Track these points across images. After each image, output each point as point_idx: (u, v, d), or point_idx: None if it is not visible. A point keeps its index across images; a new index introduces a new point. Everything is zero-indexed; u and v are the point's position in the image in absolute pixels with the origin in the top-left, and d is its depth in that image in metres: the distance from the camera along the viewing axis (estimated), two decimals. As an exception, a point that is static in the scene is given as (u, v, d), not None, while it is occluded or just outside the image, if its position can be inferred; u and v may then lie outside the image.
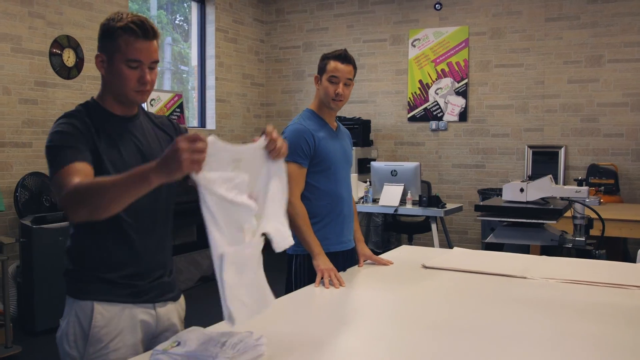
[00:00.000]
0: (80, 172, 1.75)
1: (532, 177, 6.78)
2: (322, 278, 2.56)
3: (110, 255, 1.93)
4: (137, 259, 1.96)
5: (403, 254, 3.22)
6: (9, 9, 5.42)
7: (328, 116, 2.97)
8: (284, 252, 1.93)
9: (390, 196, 6.34)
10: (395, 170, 6.45)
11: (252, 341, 1.67)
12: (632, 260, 5.62)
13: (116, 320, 1.90)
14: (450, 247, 5.86)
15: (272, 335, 1.75)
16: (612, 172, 6.78)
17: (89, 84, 6.15)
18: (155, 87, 7.29)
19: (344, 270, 2.80)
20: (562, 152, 7.13)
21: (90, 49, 6.13)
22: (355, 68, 2.90)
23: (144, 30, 1.88)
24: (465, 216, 7.45)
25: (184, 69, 8.13)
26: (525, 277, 2.62)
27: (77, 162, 1.77)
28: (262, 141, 1.74)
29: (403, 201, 6.33)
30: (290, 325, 1.96)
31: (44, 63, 5.72)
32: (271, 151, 1.75)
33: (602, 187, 6.54)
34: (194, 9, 8.02)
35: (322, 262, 2.63)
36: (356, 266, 2.91)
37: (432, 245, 5.93)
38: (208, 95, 8.01)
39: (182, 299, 2.14)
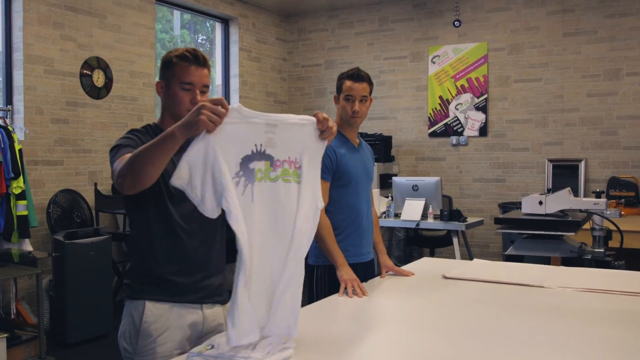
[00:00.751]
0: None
1: (553, 190, 6.85)
2: (345, 288, 2.66)
3: (162, 256, 2.12)
4: (185, 259, 2.14)
5: (424, 266, 3.32)
6: (42, 32, 5.64)
7: (350, 132, 3.09)
8: (306, 262, 2.07)
9: (412, 211, 6.44)
10: (416, 185, 6.55)
11: (280, 344, 1.77)
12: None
13: (165, 317, 2.09)
14: (471, 259, 5.95)
15: (295, 341, 1.84)
16: (632, 184, 6.82)
17: (117, 104, 6.35)
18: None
19: (364, 281, 2.89)
20: (582, 165, 7.18)
21: (118, 69, 6.33)
22: (370, 84, 3.04)
23: (196, 58, 2.14)
24: (486, 230, 7.52)
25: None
26: (542, 287, 2.71)
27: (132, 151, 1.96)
28: (307, 118, 1.85)
29: (425, 215, 6.42)
30: (314, 331, 2.06)
31: (75, 84, 5.92)
32: (323, 131, 1.86)
33: (623, 200, 6.60)
34: (218, 29, 8.21)
35: (345, 273, 2.74)
36: (378, 277, 3.01)
37: (454, 259, 6.01)
38: (232, 114, 8.16)
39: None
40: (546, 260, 4.91)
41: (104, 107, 6.23)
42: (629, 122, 7.03)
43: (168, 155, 1.80)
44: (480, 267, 3.20)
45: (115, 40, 6.34)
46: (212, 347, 1.78)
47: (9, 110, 5.40)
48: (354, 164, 3.04)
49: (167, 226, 2.12)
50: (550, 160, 7.35)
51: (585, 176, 7.17)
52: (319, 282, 3.01)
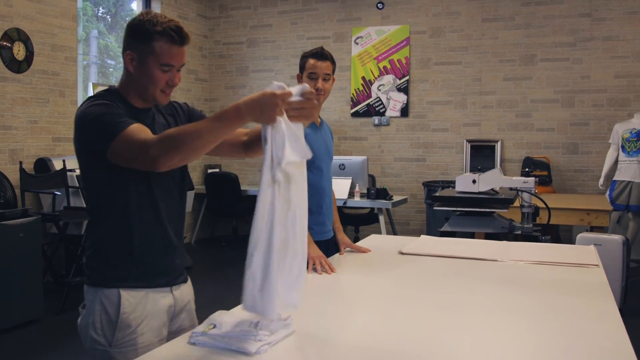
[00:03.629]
0: (146, 130, 1.88)
1: (472, 170, 7.13)
2: (314, 265, 2.73)
3: (140, 240, 2.00)
4: (163, 240, 2.06)
5: (375, 242, 3.41)
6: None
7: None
8: None
9: (339, 189, 6.56)
10: (343, 164, 6.68)
11: (281, 321, 1.81)
12: (570, 243, 6.03)
13: (142, 305, 1.99)
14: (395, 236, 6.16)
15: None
16: (545, 164, 7.21)
17: (39, 78, 6.11)
18: (94, 81, 7.33)
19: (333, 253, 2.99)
20: (498, 145, 7.51)
21: (39, 42, 6.08)
22: (333, 63, 3.06)
23: (181, 37, 1.95)
24: (406, 208, 7.75)
25: (110, 63, 8.03)
26: (496, 260, 2.87)
27: (136, 124, 1.87)
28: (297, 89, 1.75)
29: (351, 194, 6.56)
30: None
31: (-6, 57, 5.66)
32: (300, 109, 1.73)
33: (537, 179, 6.95)
34: (139, 3, 8.01)
35: (312, 250, 2.77)
36: (337, 254, 3.09)
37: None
38: (154, 90, 8.00)
39: (189, 280, 2.26)
40: (470, 236, 5.15)
41: (25, 82, 5.98)
42: (542, 105, 7.41)
43: (229, 133, 1.82)
44: (432, 242, 3.34)
45: (36, 12, 6.08)
46: (215, 326, 1.78)
47: None
48: (317, 143, 3.06)
49: (147, 207, 2.00)
50: (469, 141, 7.64)
51: (502, 156, 7.52)
52: None
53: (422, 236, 3.59)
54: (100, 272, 2.00)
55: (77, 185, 5.60)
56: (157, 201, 2.03)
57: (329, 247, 3.16)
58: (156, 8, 7.97)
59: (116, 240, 2.00)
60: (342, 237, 3.20)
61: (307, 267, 2.72)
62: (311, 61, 3.00)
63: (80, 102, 6.78)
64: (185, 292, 2.19)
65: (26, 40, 5.94)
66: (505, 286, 2.45)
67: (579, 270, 2.72)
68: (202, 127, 1.76)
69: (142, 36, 1.93)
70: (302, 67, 3.05)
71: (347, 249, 3.15)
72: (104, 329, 1.96)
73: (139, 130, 1.85)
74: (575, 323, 1.98)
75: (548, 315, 2.07)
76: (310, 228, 2.97)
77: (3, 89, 5.75)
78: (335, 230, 3.24)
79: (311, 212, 3.01)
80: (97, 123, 1.87)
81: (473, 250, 3.10)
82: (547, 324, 1.96)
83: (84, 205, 5.48)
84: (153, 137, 1.82)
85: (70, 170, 5.73)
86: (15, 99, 5.86)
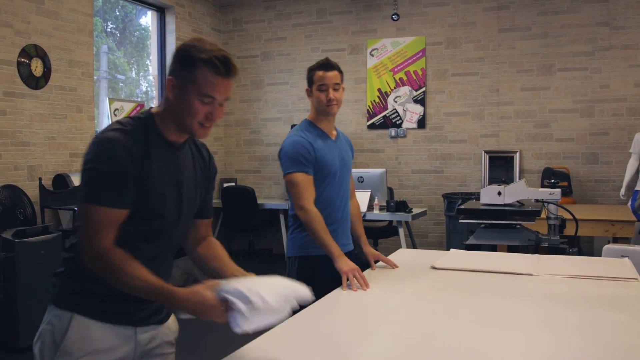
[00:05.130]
0: (112, 226, 1.74)
1: (490, 181, 7.08)
2: (347, 281, 2.66)
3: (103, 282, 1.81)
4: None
5: (405, 257, 3.37)
6: (-22, 18, 5.35)
7: (325, 124, 3.10)
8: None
9: (358, 202, 6.50)
10: (362, 177, 6.63)
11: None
12: (591, 255, 5.95)
13: (91, 337, 1.82)
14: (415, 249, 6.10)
15: (302, 342, 1.83)
16: (565, 174, 7.13)
17: (56, 94, 6.10)
18: (115, 97, 7.33)
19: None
20: (517, 156, 7.45)
21: (57, 58, 6.08)
22: (341, 72, 3.04)
23: (227, 69, 1.80)
24: (425, 220, 7.69)
25: (120, 78, 8.03)
26: (531, 274, 2.81)
27: (113, 209, 1.74)
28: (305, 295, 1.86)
29: (370, 207, 6.51)
30: (321, 327, 2.07)
31: (12, 72, 5.65)
32: None
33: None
34: (153, 18, 8.02)
35: (344, 264, 2.72)
36: (369, 269, 3.02)
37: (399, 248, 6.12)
38: (169, 105, 8.00)
39: (171, 320, 2.09)
40: (493, 249, 5.09)
41: (43, 98, 5.97)
42: (561, 115, 7.34)
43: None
44: (463, 257, 3.28)
45: (53, 28, 6.08)
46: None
47: (-56, 100, 5.10)
48: (331, 157, 3.05)
49: (130, 235, 1.82)
50: (487, 152, 7.58)
51: (521, 167, 7.45)
52: (300, 274, 2.99)
53: (451, 250, 3.54)
54: (61, 292, 1.87)
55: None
56: (148, 254, 1.87)
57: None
58: (170, 23, 7.98)
59: (90, 272, 1.79)
60: (370, 250, 3.14)
61: (342, 283, 2.68)
62: (319, 73, 2.99)
63: (96, 118, 6.78)
64: (160, 333, 2.00)
65: (44, 57, 5.94)
66: (544, 301, 2.39)
67: (618, 285, 2.65)
68: (136, 284, 1.72)
69: (185, 62, 1.81)
70: (310, 81, 3.04)
71: (377, 261, 3.08)
72: (44, 350, 1.85)
73: (106, 224, 1.73)
74: (624, 340, 1.92)
75: (593, 332, 2.01)
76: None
77: (21, 105, 5.74)
78: (362, 243, 3.20)
79: None
80: (86, 174, 1.77)
81: (506, 264, 3.04)
82: (593, 342, 1.90)
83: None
84: (102, 248, 1.72)
85: (89, 186, 5.71)
86: (34, 115, 5.85)
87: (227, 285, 1.73)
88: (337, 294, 2.56)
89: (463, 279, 2.79)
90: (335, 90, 2.99)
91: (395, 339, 1.95)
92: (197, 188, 2.02)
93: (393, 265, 3.04)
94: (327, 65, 3.00)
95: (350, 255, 3.11)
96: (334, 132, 3.17)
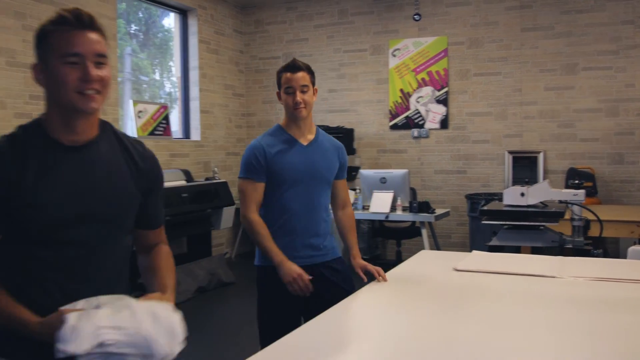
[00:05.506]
0: None
1: (514, 182, 7.03)
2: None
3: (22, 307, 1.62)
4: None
5: (427, 259, 3.36)
6: (2, 22, 5.42)
7: (296, 130, 2.93)
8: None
9: (381, 203, 6.50)
10: (384, 178, 6.62)
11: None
12: (617, 256, 5.90)
13: None
14: (439, 250, 6.09)
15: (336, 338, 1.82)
16: (589, 175, 7.06)
17: (81, 97, 6.16)
18: (139, 99, 7.40)
19: (333, 276, 2.93)
20: (541, 156, 7.39)
21: (81, 62, 6.15)
22: (310, 73, 2.90)
23: (78, 18, 1.61)
24: (448, 221, 7.65)
25: (144, 79, 8.08)
26: (554, 277, 2.79)
27: None
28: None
29: (393, 207, 6.50)
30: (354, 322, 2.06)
31: (37, 76, 5.71)
32: None
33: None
34: (176, 20, 8.07)
35: (284, 273, 2.74)
36: (373, 282, 2.81)
37: (422, 249, 6.10)
38: (192, 107, 8.07)
39: None
40: (517, 250, 5.06)
41: (68, 100, 6.04)
42: (586, 115, 7.27)
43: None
44: (486, 258, 3.26)
45: (77, 32, 6.14)
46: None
47: (-29, 104, 5.17)
48: (291, 164, 2.89)
49: (36, 266, 1.64)
50: (510, 152, 7.53)
51: (545, 167, 7.38)
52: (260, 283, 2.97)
53: (473, 252, 3.52)
54: None
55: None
56: (65, 286, 1.66)
57: (313, 272, 2.90)
58: (193, 25, 8.03)
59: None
60: (358, 262, 2.96)
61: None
62: (285, 75, 2.87)
63: (121, 119, 6.84)
64: None
65: (68, 60, 6.00)
66: (567, 304, 2.37)
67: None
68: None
69: (40, 37, 1.64)
70: (278, 84, 2.93)
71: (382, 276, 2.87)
72: None
73: None
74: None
75: (617, 335, 1.99)
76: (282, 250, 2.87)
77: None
78: (351, 256, 3.03)
79: (279, 233, 2.90)
80: None
81: (529, 266, 3.02)
82: (617, 345, 1.89)
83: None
84: None
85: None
86: (59, 118, 5.92)
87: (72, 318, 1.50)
88: (355, 296, 2.56)
89: (485, 281, 2.78)
90: (303, 92, 2.84)
91: (416, 341, 1.96)
92: (118, 193, 1.75)
93: (381, 278, 2.82)
94: (293, 66, 2.87)
95: (312, 268, 2.88)
96: (309, 137, 2.97)
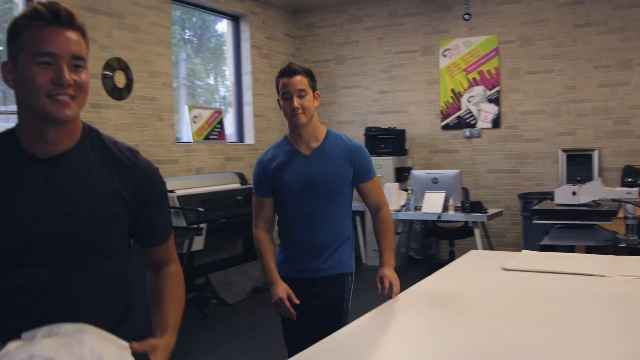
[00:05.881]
0: None
1: (568, 180, 6.96)
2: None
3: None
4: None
5: (476, 258, 3.40)
6: None
7: (298, 139, 2.83)
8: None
9: (433, 203, 6.53)
10: (436, 178, 6.65)
11: None
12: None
13: None
14: (492, 250, 6.07)
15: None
16: (646, 172, 6.94)
17: (138, 104, 6.38)
18: (194, 103, 7.60)
19: (318, 298, 2.81)
20: (595, 154, 7.28)
21: (138, 70, 6.36)
22: (308, 77, 2.75)
23: (55, 14, 1.43)
24: (502, 220, 7.61)
25: (199, 84, 8.27)
26: (603, 276, 2.80)
27: None
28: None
29: (445, 208, 6.52)
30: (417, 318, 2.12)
31: (97, 85, 5.94)
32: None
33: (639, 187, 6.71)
34: (228, 26, 8.24)
35: (271, 293, 2.78)
36: (426, 280, 2.89)
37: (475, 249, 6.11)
38: (246, 111, 8.23)
39: None
40: (571, 249, 5.03)
41: (126, 108, 6.26)
42: (642, 111, 7.15)
43: None
44: (535, 258, 3.28)
45: (134, 41, 6.36)
46: None
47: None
48: (290, 175, 2.81)
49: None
50: (564, 150, 7.45)
51: (599, 165, 7.28)
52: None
53: (523, 251, 3.54)
54: None
55: (178, 205, 5.80)
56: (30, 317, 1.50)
57: (313, 286, 2.85)
58: (245, 31, 8.19)
59: None
60: (380, 272, 2.82)
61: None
62: (282, 80, 2.73)
63: (176, 124, 7.04)
64: None
65: (126, 69, 6.23)
66: (615, 303, 2.38)
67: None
68: None
69: (11, 33, 1.47)
70: (277, 90, 2.80)
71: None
72: None
73: None
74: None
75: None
76: (285, 261, 2.91)
77: (106, 115, 6.03)
78: (380, 263, 2.87)
79: (284, 246, 2.91)
80: None
81: (578, 265, 3.03)
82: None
83: (185, 225, 5.67)
84: None
85: (171, 192, 5.94)
86: (118, 125, 6.15)
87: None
88: (401, 296, 2.62)
89: (534, 280, 2.81)
90: (301, 97, 2.69)
91: (463, 340, 2.01)
92: (93, 212, 1.56)
93: (385, 292, 2.71)
94: (289, 70, 2.71)
95: (320, 281, 2.84)
96: (314, 145, 2.83)
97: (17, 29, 1.44)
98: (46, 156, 1.51)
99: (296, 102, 2.67)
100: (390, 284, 2.69)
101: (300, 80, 2.69)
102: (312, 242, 2.82)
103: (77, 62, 1.46)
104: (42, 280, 1.50)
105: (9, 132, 1.53)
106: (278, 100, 2.79)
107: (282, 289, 2.74)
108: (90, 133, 1.62)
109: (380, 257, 2.86)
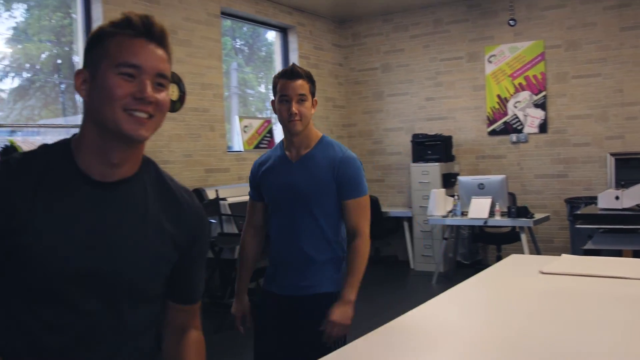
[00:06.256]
0: None
1: (617, 185, 6.93)
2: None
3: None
4: None
5: (516, 262, 3.48)
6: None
7: (291, 145, 2.64)
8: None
9: (479, 208, 6.60)
10: (482, 184, 6.71)
11: None
12: None
13: None
14: (539, 255, 6.09)
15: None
16: (697, 175, 6.86)
17: (191, 115, 6.63)
18: (244, 114, 7.84)
19: (306, 316, 2.62)
20: (645, 158, 7.24)
21: (190, 82, 6.62)
22: (310, 82, 2.57)
23: (147, 28, 1.33)
24: (549, 225, 7.61)
25: (250, 92, 8.49)
26: (640, 278, 2.85)
27: None
28: None
29: (492, 213, 6.57)
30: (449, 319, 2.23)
31: (152, 99, 6.19)
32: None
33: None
34: (277, 38, 8.46)
35: (233, 308, 2.82)
36: (467, 281, 3.07)
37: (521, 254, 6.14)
38: (294, 120, 8.40)
39: None
40: (617, 254, 5.04)
41: (179, 120, 6.52)
42: (692, 113, 7.08)
43: None
44: (574, 261, 3.35)
45: (186, 55, 6.62)
46: None
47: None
48: (272, 184, 2.67)
49: (25, 322, 1.33)
50: (613, 154, 7.41)
51: (649, 169, 7.23)
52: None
53: (562, 255, 3.60)
54: None
55: (230, 212, 6.01)
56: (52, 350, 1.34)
57: (296, 304, 2.64)
58: (293, 42, 8.39)
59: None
60: (332, 310, 2.51)
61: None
62: (281, 82, 2.53)
63: (228, 133, 7.27)
64: None
65: (179, 82, 6.48)
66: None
67: None
68: None
69: (95, 40, 1.35)
70: (274, 91, 2.60)
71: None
72: None
73: None
74: None
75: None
76: (267, 275, 2.79)
77: (161, 127, 6.27)
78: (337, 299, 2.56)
79: (269, 259, 2.78)
80: None
81: (617, 268, 3.09)
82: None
83: (237, 232, 5.87)
84: None
85: (223, 199, 6.16)
86: (172, 136, 6.40)
87: None
88: (438, 298, 2.72)
89: (571, 284, 2.87)
90: (300, 102, 2.50)
91: (498, 342, 2.11)
92: (146, 251, 1.41)
93: (328, 341, 2.49)
94: (291, 72, 2.52)
95: (302, 301, 2.63)
96: (303, 152, 2.63)
97: (103, 35, 1.33)
98: (103, 180, 1.36)
99: (295, 107, 2.49)
100: (334, 332, 2.48)
101: (301, 85, 2.51)
102: (290, 257, 2.64)
103: (161, 81, 1.35)
104: (75, 322, 1.34)
105: (63, 145, 1.37)
106: (272, 102, 2.61)
107: (239, 307, 2.78)
108: (149, 164, 1.48)
109: (341, 290, 2.56)
